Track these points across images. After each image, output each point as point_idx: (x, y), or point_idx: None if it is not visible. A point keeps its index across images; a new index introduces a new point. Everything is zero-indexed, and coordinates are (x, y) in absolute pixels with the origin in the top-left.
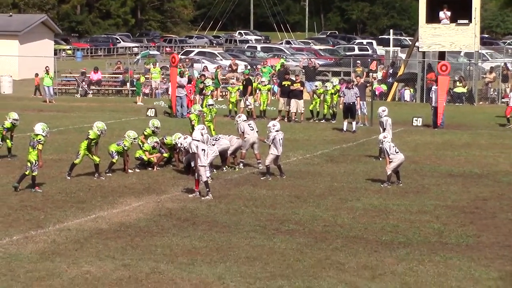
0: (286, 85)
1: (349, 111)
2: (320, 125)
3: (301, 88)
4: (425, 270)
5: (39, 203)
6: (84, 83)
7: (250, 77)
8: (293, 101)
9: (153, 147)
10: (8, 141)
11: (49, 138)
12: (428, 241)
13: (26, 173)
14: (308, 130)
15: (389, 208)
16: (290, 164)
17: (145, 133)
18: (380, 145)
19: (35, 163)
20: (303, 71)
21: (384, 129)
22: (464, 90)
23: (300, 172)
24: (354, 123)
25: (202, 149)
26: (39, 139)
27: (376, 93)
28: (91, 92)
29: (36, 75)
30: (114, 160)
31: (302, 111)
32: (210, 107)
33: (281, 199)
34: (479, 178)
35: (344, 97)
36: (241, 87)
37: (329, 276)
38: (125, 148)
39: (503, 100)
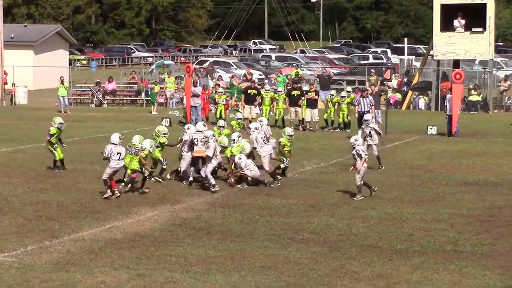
0: (295, 95)
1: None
2: (335, 134)
3: (316, 97)
4: (440, 278)
5: (54, 214)
6: (99, 93)
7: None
8: (307, 110)
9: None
10: (58, 150)
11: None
12: (443, 250)
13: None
14: (323, 139)
15: (403, 216)
16: (304, 173)
17: (161, 141)
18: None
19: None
20: (318, 80)
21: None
22: (479, 98)
23: (314, 181)
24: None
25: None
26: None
27: (391, 101)
28: (106, 102)
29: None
30: (164, 166)
31: (317, 120)
32: (220, 129)
33: (296, 208)
34: (494, 187)
35: (358, 105)
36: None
37: (343, 285)
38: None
39: None
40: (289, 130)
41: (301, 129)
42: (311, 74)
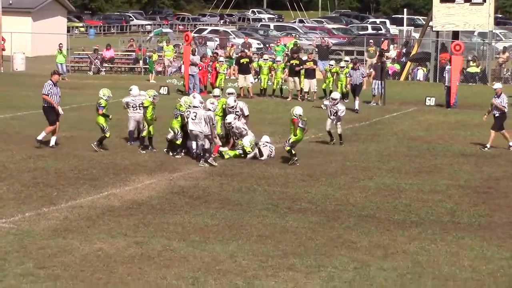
0: (294, 64)
1: (354, 92)
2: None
3: (314, 67)
4: (437, 249)
5: (52, 180)
6: (96, 60)
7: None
8: (305, 80)
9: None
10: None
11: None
12: (440, 221)
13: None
14: (321, 109)
15: (401, 187)
16: (302, 142)
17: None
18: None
19: (178, 131)
20: (316, 50)
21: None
22: (478, 70)
23: (312, 151)
24: (356, 102)
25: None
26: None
27: (389, 72)
28: (104, 69)
29: None
30: (178, 142)
31: (315, 90)
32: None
33: (294, 178)
34: (492, 158)
35: (350, 78)
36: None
37: (341, 255)
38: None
39: None
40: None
41: (299, 99)
42: (310, 44)
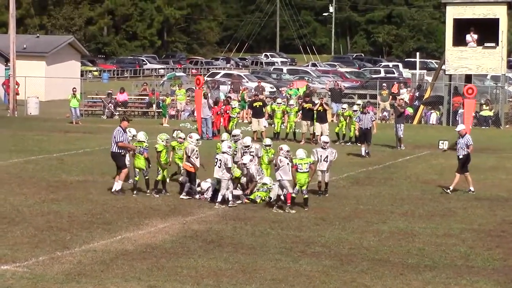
0: (307, 108)
1: (364, 136)
2: (346, 148)
3: (326, 108)
4: None
5: (65, 224)
6: (110, 104)
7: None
8: (317, 124)
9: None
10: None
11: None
12: (454, 265)
13: (136, 179)
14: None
15: (415, 231)
16: (316, 186)
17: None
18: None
19: (146, 169)
20: (329, 93)
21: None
22: (491, 113)
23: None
24: (363, 148)
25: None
26: (146, 146)
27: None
28: (117, 113)
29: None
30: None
31: (327, 134)
32: (267, 148)
33: (307, 221)
34: (505, 202)
35: (359, 122)
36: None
37: None
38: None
39: None
40: (266, 140)
41: (312, 142)
42: (323, 88)
